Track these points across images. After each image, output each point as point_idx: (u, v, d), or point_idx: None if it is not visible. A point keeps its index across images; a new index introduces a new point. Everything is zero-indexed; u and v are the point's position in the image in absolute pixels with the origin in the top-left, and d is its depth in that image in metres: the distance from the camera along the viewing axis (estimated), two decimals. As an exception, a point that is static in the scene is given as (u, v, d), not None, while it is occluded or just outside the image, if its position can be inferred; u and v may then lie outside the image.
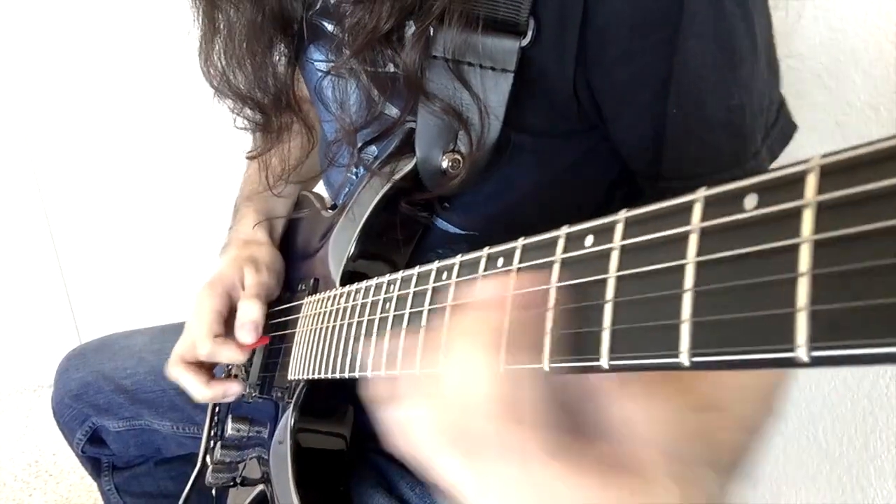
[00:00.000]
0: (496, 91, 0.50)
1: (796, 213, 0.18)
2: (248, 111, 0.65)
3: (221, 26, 0.61)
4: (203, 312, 0.69)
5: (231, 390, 0.70)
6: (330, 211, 0.76)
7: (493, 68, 0.49)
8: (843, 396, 0.70)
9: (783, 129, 0.55)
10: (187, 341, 0.70)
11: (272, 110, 0.64)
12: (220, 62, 0.62)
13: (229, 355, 0.68)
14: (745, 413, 0.43)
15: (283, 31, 0.61)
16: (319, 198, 0.81)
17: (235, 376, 0.76)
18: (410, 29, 0.49)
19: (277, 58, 0.62)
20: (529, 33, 0.48)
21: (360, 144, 0.58)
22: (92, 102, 1.63)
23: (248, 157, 0.74)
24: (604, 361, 0.23)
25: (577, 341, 0.25)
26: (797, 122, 0.74)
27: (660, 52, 0.47)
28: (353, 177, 0.66)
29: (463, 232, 0.61)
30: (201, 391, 0.69)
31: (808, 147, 0.74)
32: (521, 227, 0.49)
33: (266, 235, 0.78)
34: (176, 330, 0.73)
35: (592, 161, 0.58)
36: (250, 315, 0.67)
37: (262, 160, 0.71)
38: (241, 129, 0.68)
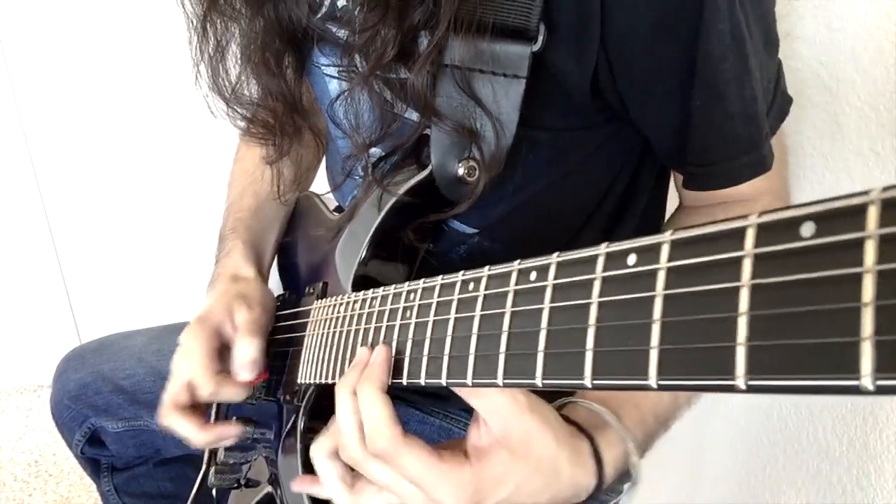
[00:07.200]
0: (508, 98, 0.50)
1: (858, 244, 0.18)
2: (260, 119, 0.64)
3: (224, 41, 0.60)
4: (196, 353, 0.66)
5: (227, 432, 0.68)
6: (336, 213, 0.75)
7: (504, 75, 0.50)
8: (843, 396, 0.71)
9: (780, 104, 0.58)
10: (179, 384, 0.66)
11: (285, 116, 0.63)
12: (231, 75, 0.62)
13: (231, 394, 0.66)
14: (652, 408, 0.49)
15: (287, 40, 0.60)
16: (323, 199, 0.81)
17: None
18: (423, 42, 0.49)
19: (286, 64, 0.61)
20: (540, 38, 0.48)
21: (374, 160, 0.57)
22: (92, 102, 1.62)
23: (267, 163, 0.72)
24: (652, 381, 0.24)
25: (622, 360, 0.25)
26: (797, 122, 0.74)
27: (681, 46, 0.48)
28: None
29: (477, 230, 0.61)
30: (197, 436, 0.67)
31: (807, 146, 0.75)
32: (534, 220, 0.52)
33: (254, 270, 0.75)
34: (176, 330, 0.71)
35: (603, 153, 0.59)
36: (248, 355, 0.66)
37: (275, 168, 0.70)
38: (250, 134, 0.67)
